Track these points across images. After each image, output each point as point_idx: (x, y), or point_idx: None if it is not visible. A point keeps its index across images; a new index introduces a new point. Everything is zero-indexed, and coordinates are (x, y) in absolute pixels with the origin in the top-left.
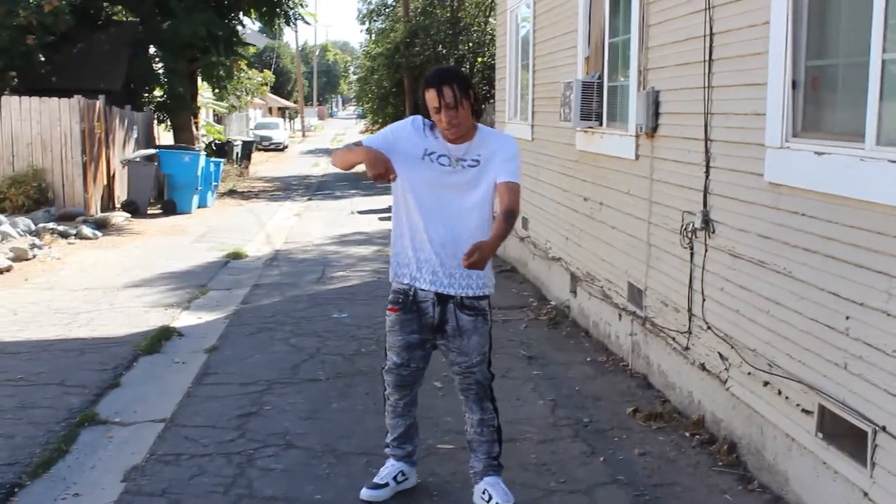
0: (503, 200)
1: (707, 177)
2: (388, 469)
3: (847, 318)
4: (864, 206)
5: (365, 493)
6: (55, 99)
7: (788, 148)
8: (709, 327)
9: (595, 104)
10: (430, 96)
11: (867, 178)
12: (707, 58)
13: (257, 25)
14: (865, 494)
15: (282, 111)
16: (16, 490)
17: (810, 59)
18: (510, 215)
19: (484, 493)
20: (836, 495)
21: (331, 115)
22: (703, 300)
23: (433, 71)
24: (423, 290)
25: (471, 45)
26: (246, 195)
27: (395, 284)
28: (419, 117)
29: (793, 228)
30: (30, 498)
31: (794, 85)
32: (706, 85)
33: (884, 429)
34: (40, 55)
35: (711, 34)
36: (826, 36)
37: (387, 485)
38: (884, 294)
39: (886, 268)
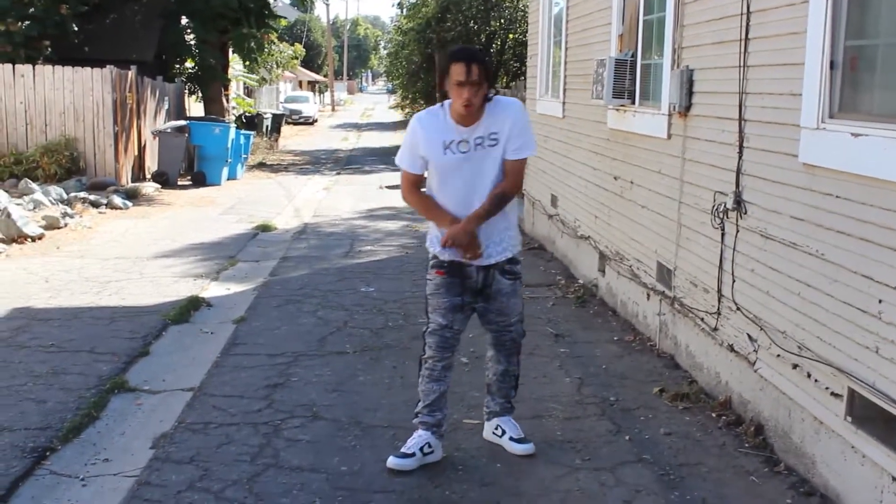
0: (505, 181)
1: (740, 157)
2: (416, 440)
3: (880, 301)
4: None
5: (392, 461)
6: (88, 69)
7: (824, 129)
8: (738, 308)
9: (628, 82)
10: (458, 69)
11: None
12: (743, 36)
13: None
14: (894, 479)
15: (311, 85)
16: (47, 454)
17: (849, 39)
18: (499, 198)
19: (497, 428)
20: (864, 479)
21: (360, 90)
22: (733, 281)
23: (462, 47)
24: None
25: (502, 21)
26: (275, 168)
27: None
28: (420, 114)
29: (827, 210)
30: (61, 462)
31: (832, 65)
32: (741, 64)
33: None
34: (73, 25)
35: (748, 12)
36: (866, 15)
37: (413, 454)
38: None
39: None
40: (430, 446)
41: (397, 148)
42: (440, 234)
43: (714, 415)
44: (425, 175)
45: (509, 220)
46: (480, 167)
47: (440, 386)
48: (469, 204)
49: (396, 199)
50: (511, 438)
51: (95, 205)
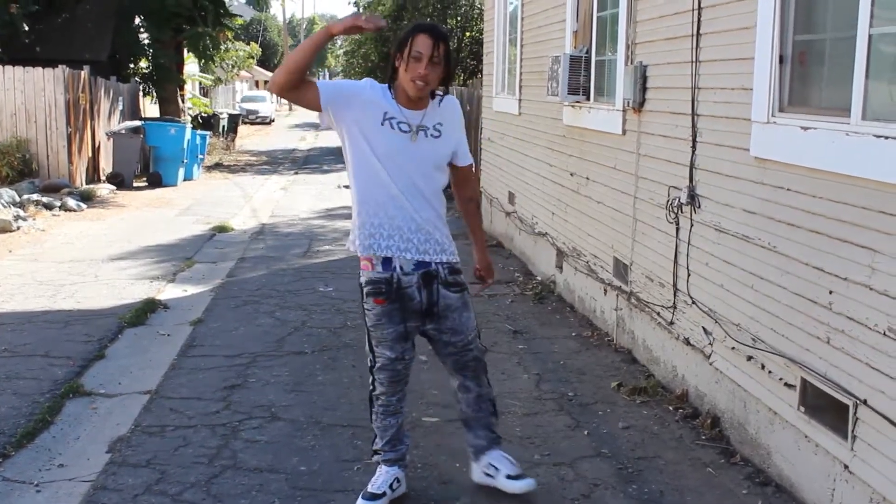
0: (467, 188)
1: (693, 152)
2: (383, 477)
3: (830, 292)
4: (849, 180)
5: (360, 503)
6: (39, 69)
7: (775, 123)
8: (693, 302)
9: (582, 79)
10: (424, 41)
11: (852, 152)
12: (695, 32)
13: None
14: (846, 467)
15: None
16: (0, 460)
17: (798, 34)
18: (477, 207)
19: (488, 466)
20: (817, 468)
21: None
22: (688, 275)
23: (429, 22)
24: (406, 273)
25: (459, 19)
26: (232, 168)
27: (371, 272)
28: (374, 81)
29: (778, 203)
30: (14, 468)
31: (782, 59)
32: (694, 59)
33: (865, 402)
34: (24, 24)
35: (699, 8)
36: (813, 10)
37: (384, 494)
38: (867, 269)
39: (870, 242)
40: (398, 482)
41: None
42: (370, 238)
43: (671, 408)
44: (319, 100)
45: (446, 225)
46: (427, 156)
47: (398, 419)
48: (415, 195)
49: None
50: (508, 476)
51: (49, 207)
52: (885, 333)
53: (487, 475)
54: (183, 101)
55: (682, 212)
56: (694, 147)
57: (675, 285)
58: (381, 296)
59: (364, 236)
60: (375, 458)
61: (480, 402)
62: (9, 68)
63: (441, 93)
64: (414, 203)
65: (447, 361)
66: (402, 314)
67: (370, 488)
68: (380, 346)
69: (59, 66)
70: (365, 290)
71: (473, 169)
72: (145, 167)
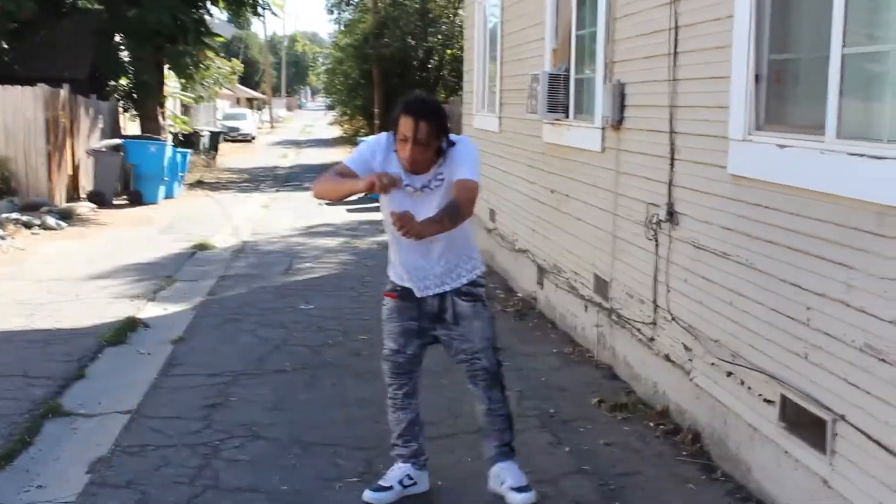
0: (453, 194)
1: (672, 169)
2: (395, 472)
3: (808, 308)
4: (825, 198)
5: (367, 494)
6: (18, 87)
7: (751, 140)
8: (673, 318)
9: (562, 96)
10: (405, 124)
11: (827, 170)
12: (672, 51)
13: (225, 15)
14: (825, 482)
15: (250, 102)
16: None
17: (773, 53)
18: (451, 207)
19: (497, 476)
20: (796, 483)
21: (299, 107)
22: (668, 291)
23: (416, 98)
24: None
25: (440, 37)
26: (213, 186)
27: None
28: (389, 136)
29: (755, 220)
30: None
31: (758, 78)
32: (671, 78)
33: (843, 417)
34: (3, 43)
35: (676, 27)
36: (788, 30)
37: (391, 487)
38: (843, 285)
39: (846, 259)
40: (410, 478)
41: (337, 164)
42: (392, 274)
43: (652, 424)
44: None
45: (468, 247)
46: (428, 205)
47: (406, 414)
48: (426, 246)
49: (336, 216)
50: (511, 488)
51: (28, 226)
52: (861, 349)
53: (496, 483)
54: (163, 119)
55: (660, 228)
56: (672, 164)
57: (654, 302)
58: (395, 292)
59: (393, 275)
60: (392, 453)
61: (492, 416)
62: None
63: (447, 145)
64: (433, 251)
65: (461, 369)
66: (414, 312)
67: (380, 481)
68: (387, 338)
69: (39, 84)
70: (386, 287)
71: (467, 185)
72: (126, 185)
